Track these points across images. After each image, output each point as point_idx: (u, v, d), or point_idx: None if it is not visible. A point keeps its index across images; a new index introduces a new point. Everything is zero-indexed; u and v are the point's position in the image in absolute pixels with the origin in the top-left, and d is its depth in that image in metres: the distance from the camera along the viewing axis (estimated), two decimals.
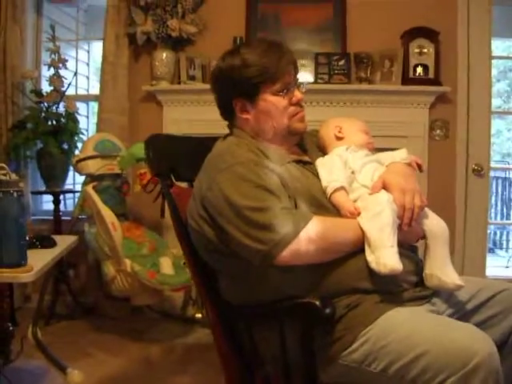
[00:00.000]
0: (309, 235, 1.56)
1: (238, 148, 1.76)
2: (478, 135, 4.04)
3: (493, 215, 7.79)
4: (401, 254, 1.64)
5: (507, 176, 7.13)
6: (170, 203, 1.94)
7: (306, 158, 1.93)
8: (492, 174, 7.20)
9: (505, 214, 7.15)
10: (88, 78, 4.66)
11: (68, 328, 3.84)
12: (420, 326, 1.52)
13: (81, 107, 4.43)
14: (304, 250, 1.56)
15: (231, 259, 1.69)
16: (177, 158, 2.03)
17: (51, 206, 4.07)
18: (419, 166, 1.94)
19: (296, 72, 1.88)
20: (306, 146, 2.01)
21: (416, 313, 1.61)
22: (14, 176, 2.11)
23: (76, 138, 4.04)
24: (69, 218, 3.99)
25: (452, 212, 4.04)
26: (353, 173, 1.80)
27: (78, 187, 4.02)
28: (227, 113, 1.91)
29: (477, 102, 4.03)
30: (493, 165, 8.33)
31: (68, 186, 4.31)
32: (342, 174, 1.77)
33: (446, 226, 1.80)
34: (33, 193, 4.24)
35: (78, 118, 4.18)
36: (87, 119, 4.62)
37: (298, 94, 1.86)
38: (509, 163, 5.25)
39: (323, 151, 1.98)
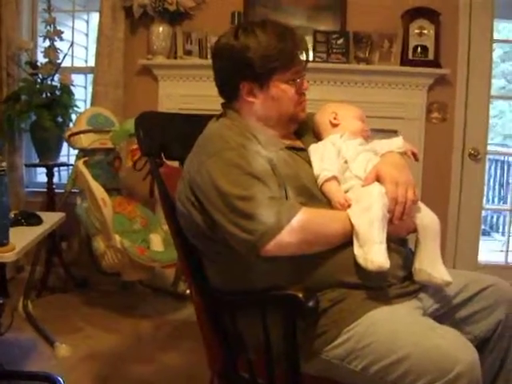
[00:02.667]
0: (295, 227, 1.54)
1: (229, 131, 1.73)
2: (475, 119, 4.01)
3: (490, 198, 7.79)
4: (390, 248, 1.62)
5: (505, 159, 7.09)
6: (158, 183, 1.92)
7: (300, 144, 1.90)
8: (491, 156, 7.22)
9: (502, 197, 7.13)
10: (87, 48, 4.59)
11: (59, 301, 3.83)
12: (404, 328, 1.51)
13: (79, 78, 4.39)
14: (290, 241, 1.54)
15: (218, 245, 1.68)
16: (168, 135, 2.00)
17: (45, 179, 4.05)
18: (414, 155, 1.92)
19: (307, 60, 1.84)
20: (301, 132, 1.97)
21: (401, 313, 1.59)
22: None
23: (70, 111, 4.01)
24: (63, 191, 3.97)
25: (446, 196, 4.04)
26: (346, 162, 1.77)
27: (73, 160, 3.98)
28: (229, 93, 1.86)
29: (476, 85, 3.99)
30: (493, 147, 8.35)
31: (63, 157, 4.29)
32: (334, 162, 1.75)
33: (438, 220, 1.77)
34: (26, 165, 4.23)
35: (76, 88, 4.14)
36: (85, 90, 4.56)
37: (305, 84, 1.84)
38: (508, 146, 5.20)
39: (318, 137, 1.95)
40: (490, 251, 5.15)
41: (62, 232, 4.02)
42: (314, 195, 1.70)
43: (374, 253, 1.54)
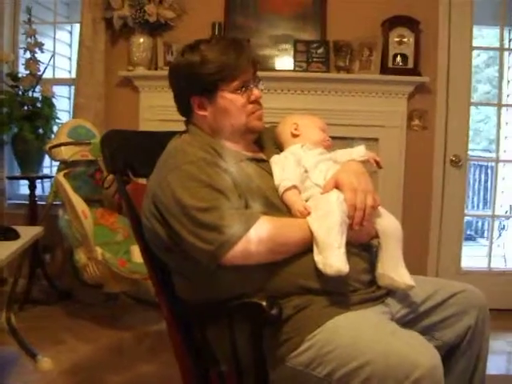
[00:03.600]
0: (255, 235, 1.56)
1: (189, 146, 1.76)
2: (456, 126, 4.02)
3: (475, 203, 7.82)
4: (351, 253, 1.65)
5: (489, 165, 7.12)
6: (125, 200, 1.93)
7: (262, 156, 1.92)
8: (476, 162, 7.27)
9: (487, 203, 7.15)
10: (70, 59, 4.60)
11: (42, 313, 3.83)
12: (365, 334, 1.52)
13: (62, 89, 4.41)
14: (250, 250, 1.56)
15: (182, 258, 1.69)
16: (134, 153, 2.00)
17: (28, 191, 4.04)
18: (377, 163, 1.93)
19: (255, 70, 1.86)
20: (263, 143, 2.00)
21: (363, 319, 1.60)
22: None
23: (52, 123, 4.01)
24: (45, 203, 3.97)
25: (428, 203, 4.05)
26: (306, 171, 1.80)
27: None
28: (184, 109, 1.90)
29: (456, 92, 4.01)
30: (479, 153, 8.35)
31: (46, 169, 4.30)
32: (294, 172, 1.77)
33: (399, 225, 1.79)
34: (8, 178, 4.23)
35: (60, 100, 4.15)
36: (69, 101, 4.55)
37: (256, 92, 1.85)
38: (490, 151, 5.24)
39: (280, 148, 1.98)
40: (475, 257, 5.15)
41: (45, 244, 4.02)
42: (276, 205, 1.72)
43: (332, 257, 1.56)
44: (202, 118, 1.85)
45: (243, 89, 1.82)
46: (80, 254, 3.39)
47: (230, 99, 1.81)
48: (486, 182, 7.41)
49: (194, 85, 1.82)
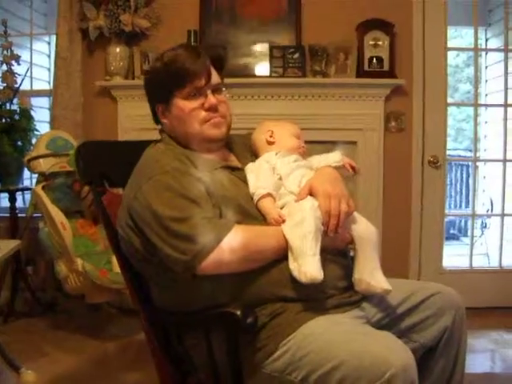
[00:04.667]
0: (229, 244, 1.56)
1: (163, 156, 1.76)
2: (433, 127, 4.04)
3: (458, 203, 7.87)
4: (327, 260, 1.66)
5: (471, 163, 7.18)
6: (100, 211, 1.94)
7: (236, 164, 1.92)
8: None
9: (468, 202, 7.20)
10: (49, 70, 4.58)
11: (26, 326, 3.81)
12: (338, 336, 1.53)
13: (42, 100, 4.40)
14: (225, 259, 1.57)
15: (158, 268, 1.69)
16: (110, 163, 2.03)
17: (8, 203, 4.03)
18: (353, 168, 1.94)
19: (209, 76, 1.82)
20: (238, 151, 2.00)
21: (336, 322, 1.61)
22: None
23: (31, 135, 4.00)
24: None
25: (408, 204, 4.07)
26: (280, 179, 1.80)
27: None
28: (154, 117, 1.93)
29: (433, 93, 4.04)
30: (459, 152, 8.40)
31: (27, 181, 4.28)
32: (269, 180, 1.78)
33: (375, 230, 1.80)
34: None
35: (40, 111, 4.14)
36: (50, 112, 4.52)
37: (210, 99, 1.81)
38: (471, 151, 5.27)
39: (256, 155, 1.98)
40: (458, 255, 5.18)
41: (27, 256, 4.01)
42: (250, 214, 1.72)
43: (307, 265, 1.56)
44: (165, 125, 1.87)
45: (193, 95, 1.80)
46: (61, 265, 3.39)
47: (181, 106, 1.80)
48: (467, 181, 7.46)
49: (155, 92, 1.85)
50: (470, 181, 6.33)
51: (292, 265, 1.61)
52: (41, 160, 3.63)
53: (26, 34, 4.43)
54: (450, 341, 1.83)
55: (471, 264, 4.30)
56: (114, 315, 3.97)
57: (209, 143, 1.85)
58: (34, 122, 4.06)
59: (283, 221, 1.68)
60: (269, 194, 1.74)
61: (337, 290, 1.72)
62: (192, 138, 1.82)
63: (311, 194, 1.72)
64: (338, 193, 1.71)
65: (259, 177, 1.78)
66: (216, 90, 1.85)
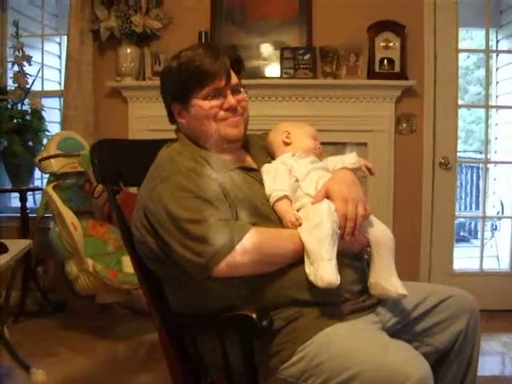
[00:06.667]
0: (245, 247, 1.55)
1: (179, 156, 1.75)
2: (444, 129, 4.04)
3: (468, 205, 7.85)
4: (343, 264, 1.65)
5: (481, 166, 7.16)
6: (115, 210, 1.93)
7: (253, 165, 1.90)
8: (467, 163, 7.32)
9: (479, 204, 7.19)
10: (60, 71, 4.60)
11: (36, 326, 3.83)
12: (356, 345, 1.52)
13: (53, 101, 4.41)
14: (241, 262, 1.56)
15: (173, 269, 1.68)
16: (125, 162, 2.03)
17: (19, 203, 4.04)
18: (369, 170, 1.93)
19: (229, 77, 1.81)
20: (255, 152, 1.98)
21: (354, 330, 1.60)
22: None
23: (42, 136, 4.01)
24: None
25: (419, 206, 4.07)
26: (297, 181, 1.79)
27: None
28: (170, 117, 1.91)
29: (443, 95, 4.03)
30: (469, 154, 8.37)
31: (37, 181, 4.30)
32: (285, 182, 1.76)
33: (390, 234, 1.78)
34: None
35: (50, 112, 4.15)
36: (60, 112, 4.52)
37: (230, 100, 1.80)
38: (482, 152, 5.26)
39: (272, 156, 1.97)
40: (468, 258, 5.17)
41: (38, 256, 4.02)
42: (266, 215, 1.71)
43: (323, 270, 1.55)
44: (182, 125, 1.86)
45: (212, 95, 1.79)
46: (71, 265, 3.40)
47: (200, 105, 1.79)
48: (478, 183, 7.45)
49: (172, 92, 1.84)
50: (481, 183, 6.31)
51: (308, 269, 1.60)
52: (52, 160, 3.64)
53: (37, 34, 4.44)
54: (464, 344, 1.82)
55: (481, 266, 4.29)
56: (125, 316, 3.99)
57: (227, 143, 1.84)
58: (45, 123, 4.08)
59: (300, 224, 1.67)
60: (285, 196, 1.72)
61: (352, 295, 1.71)
62: (210, 137, 1.81)
63: (328, 196, 1.71)
64: (354, 196, 1.70)
65: (276, 178, 1.77)
66: (235, 90, 1.84)
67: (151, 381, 3.01)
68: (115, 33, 3.94)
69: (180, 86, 1.79)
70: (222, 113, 1.81)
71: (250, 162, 1.93)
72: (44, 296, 4.06)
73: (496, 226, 5.35)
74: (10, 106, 3.98)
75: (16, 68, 3.99)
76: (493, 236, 5.32)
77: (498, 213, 4.81)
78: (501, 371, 3.34)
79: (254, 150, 1.99)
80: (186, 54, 1.81)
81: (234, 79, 1.85)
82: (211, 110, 1.79)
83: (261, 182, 1.80)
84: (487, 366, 3.25)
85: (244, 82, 1.92)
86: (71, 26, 3.99)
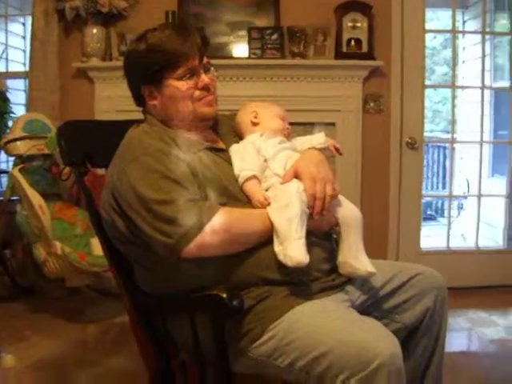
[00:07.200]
0: (214, 227, 1.55)
1: (147, 137, 1.74)
2: (411, 109, 4.08)
3: (434, 184, 7.94)
4: (312, 243, 1.67)
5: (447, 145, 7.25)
6: (83, 192, 1.92)
7: (221, 145, 1.90)
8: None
9: (446, 183, 7.29)
10: (24, 51, 4.53)
11: (5, 310, 3.78)
12: (326, 323, 1.53)
13: (17, 83, 4.35)
14: (210, 242, 1.56)
15: (142, 250, 1.68)
16: (92, 144, 1.99)
17: None
18: (337, 150, 1.94)
19: (202, 56, 1.81)
20: (222, 132, 1.98)
21: (323, 308, 1.61)
22: None
23: (6, 118, 3.94)
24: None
25: (386, 185, 4.11)
26: (265, 161, 1.79)
27: None
28: (138, 99, 1.88)
29: (411, 75, 4.06)
30: (436, 134, 8.46)
31: (3, 164, 4.24)
32: (254, 162, 1.76)
33: (359, 213, 1.80)
34: None
35: (16, 93, 4.08)
36: (25, 94, 4.47)
37: (204, 78, 1.80)
38: (449, 132, 5.33)
39: (240, 137, 1.96)
40: (435, 236, 5.25)
41: (5, 240, 3.97)
42: (235, 196, 1.71)
43: (292, 249, 1.56)
44: (153, 107, 1.83)
45: (188, 75, 1.78)
46: (39, 249, 3.37)
47: (176, 86, 1.77)
48: (444, 162, 7.53)
49: (141, 74, 1.80)
50: (447, 162, 6.40)
51: (277, 248, 1.61)
52: (18, 143, 3.60)
53: (1, 15, 4.37)
54: (432, 321, 1.85)
55: (448, 245, 4.35)
56: (94, 298, 3.95)
57: (201, 121, 1.84)
58: (10, 105, 4.00)
59: (268, 203, 1.68)
60: (254, 176, 1.73)
61: (321, 273, 1.73)
62: (185, 117, 1.80)
63: (296, 176, 1.72)
64: (323, 176, 1.71)
65: (244, 158, 1.77)
66: (206, 69, 1.84)
67: (122, 363, 3.00)
68: (81, 12, 3.88)
69: (152, 67, 1.76)
70: (197, 92, 1.80)
71: (218, 142, 1.92)
72: (12, 280, 4.02)
73: (462, 205, 5.44)
74: None
75: None
76: (459, 214, 5.40)
77: (464, 192, 4.89)
78: (467, 347, 3.41)
79: (222, 130, 1.99)
80: (154, 34, 1.79)
81: (205, 58, 1.84)
82: (188, 91, 1.78)
83: (229, 162, 1.80)
84: (454, 341, 3.31)
85: (212, 61, 1.91)
86: (35, 6, 3.92)
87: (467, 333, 3.52)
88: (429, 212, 7.16)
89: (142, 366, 1.92)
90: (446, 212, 6.28)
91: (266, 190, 1.74)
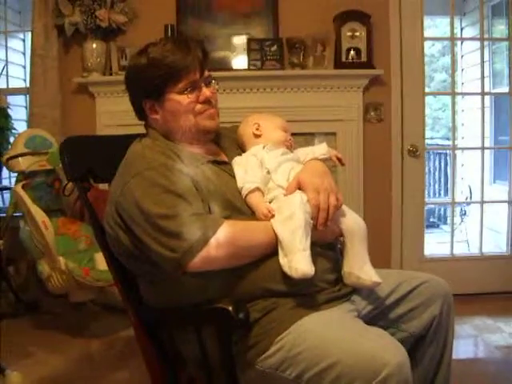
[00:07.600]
0: (219, 241, 1.56)
1: (150, 151, 1.74)
2: (412, 116, 4.07)
3: (436, 191, 7.93)
4: (317, 253, 1.66)
5: (449, 152, 7.25)
6: (87, 208, 1.92)
7: (223, 158, 1.91)
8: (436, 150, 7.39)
9: (447, 190, 7.28)
10: (24, 67, 4.54)
11: (10, 326, 3.75)
12: (333, 334, 1.53)
13: (18, 99, 4.35)
14: (215, 256, 1.56)
15: (147, 265, 1.68)
16: (95, 159, 2.00)
17: None
18: (340, 160, 1.95)
19: (203, 69, 1.82)
20: (225, 144, 1.98)
21: (330, 319, 1.61)
22: None
23: (8, 134, 3.95)
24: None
25: (388, 193, 4.10)
26: (268, 172, 1.79)
27: None
28: (140, 113, 1.89)
29: (410, 83, 4.06)
30: (436, 141, 8.46)
31: (5, 180, 4.24)
32: (257, 174, 1.77)
33: (363, 223, 1.80)
34: None
35: (16, 109, 4.09)
36: (26, 110, 4.47)
37: (205, 92, 1.81)
38: (449, 139, 5.34)
39: (242, 149, 1.97)
40: (438, 243, 5.24)
41: (8, 256, 3.97)
42: (239, 208, 1.72)
43: (297, 260, 1.56)
44: (155, 121, 1.84)
45: (189, 89, 1.79)
46: (43, 265, 3.37)
47: (177, 100, 1.78)
48: (446, 169, 7.52)
49: (143, 88, 1.81)
50: (449, 169, 6.39)
51: (282, 260, 1.61)
52: (20, 159, 3.59)
53: (1, 31, 4.38)
54: (439, 329, 1.85)
55: (452, 251, 4.34)
56: (98, 313, 3.94)
57: (204, 135, 1.84)
58: (12, 121, 4.02)
59: (272, 215, 1.68)
60: (257, 189, 1.73)
61: (327, 284, 1.73)
62: (187, 131, 1.81)
63: (300, 187, 1.72)
64: (326, 187, 1.71)
65: (247, 171, 1.77)
66: (207, 82, 1.85)
67: (128, 377, 3.00)
68: (80, 28, 3.89)
69: (153, 82, 1.77)
70: (199, 106, 1.81)
71: (220, 155, 1.93)
72: (16, 296, 4.01)
73: (465, 212, 5.43)
74: None
75: None
76: (462, 221, 5.39)
77: (466, 198, 4.88)
78: (474, 353, 3.40)
79: (225, 142, 1.99)
80: (155, 49, 1.80)
81: (206, 71, 1.85)
82: (190, 105, 1.79)
83: (232, 175, 1.81)
84: (461, 348, 3.31)
85: (212, 74, 1.91)
86: (35, 22, 3.93)
87: (473, 340, 3.51)
88: (432, 219, 7.15)
89: (148, 380, 1.91)
90: (448, 219, 6.27)
91: (270, 202, 1.74)
